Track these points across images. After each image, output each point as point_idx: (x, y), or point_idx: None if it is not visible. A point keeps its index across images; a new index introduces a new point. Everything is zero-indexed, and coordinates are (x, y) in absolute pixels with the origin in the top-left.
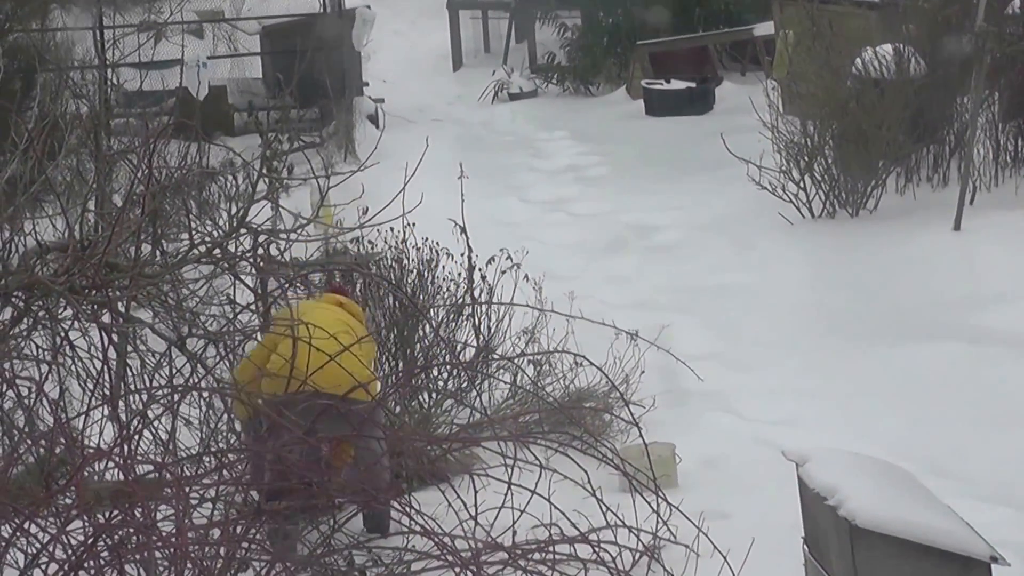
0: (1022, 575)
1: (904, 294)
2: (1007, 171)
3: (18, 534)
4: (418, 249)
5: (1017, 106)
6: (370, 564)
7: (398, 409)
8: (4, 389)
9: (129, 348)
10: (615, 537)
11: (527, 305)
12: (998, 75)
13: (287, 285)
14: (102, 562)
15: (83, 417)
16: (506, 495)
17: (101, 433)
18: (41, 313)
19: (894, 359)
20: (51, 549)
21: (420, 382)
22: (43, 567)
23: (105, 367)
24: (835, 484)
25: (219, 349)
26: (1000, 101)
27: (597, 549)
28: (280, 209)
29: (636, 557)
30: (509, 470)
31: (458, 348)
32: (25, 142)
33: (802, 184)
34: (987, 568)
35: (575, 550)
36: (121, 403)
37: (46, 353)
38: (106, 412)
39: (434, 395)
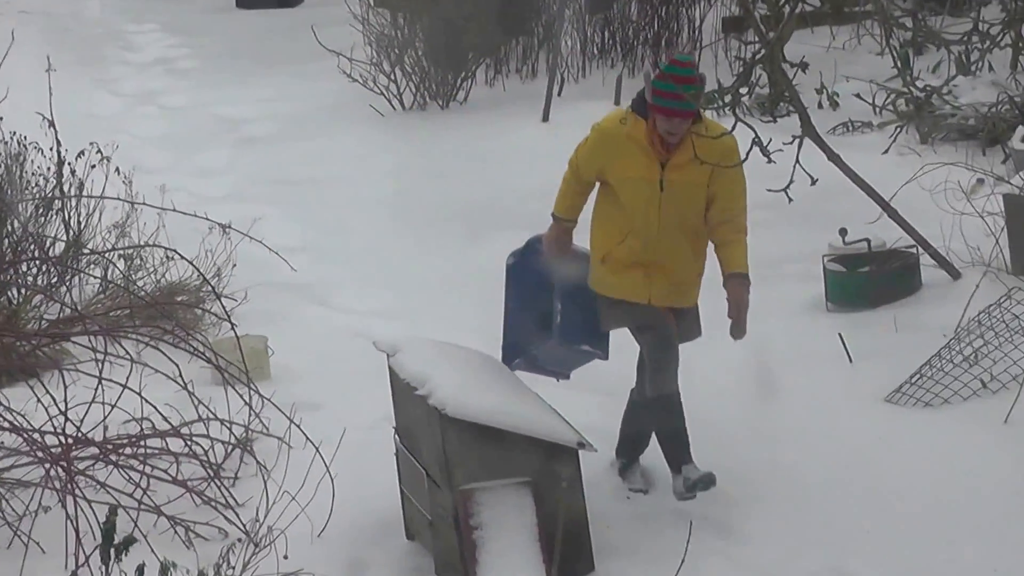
0: (610, 458)
1: (496, 185)
2: (594, 63)
3: None
4: (5, 143)
5: None
6: None
7: None
8: None
9: None
10: (207, 430)
11: (117, 198)
12: None
13: None
14: None
15: None
16: (96, 390)
17: None
18: None
19: (487, 250)
20: None
21: (8, 278)
22: None
23: None
24: (425, 373)
25: None
26: None
27: (189, 442)
28: None
29: (228, 450)
30: (100, 365)
31: (47, 243)
32: None
33: (393, 76)
34: (575, 454)
35: (167, 444)
36: None
37: None
38: None
39: (23, 291)
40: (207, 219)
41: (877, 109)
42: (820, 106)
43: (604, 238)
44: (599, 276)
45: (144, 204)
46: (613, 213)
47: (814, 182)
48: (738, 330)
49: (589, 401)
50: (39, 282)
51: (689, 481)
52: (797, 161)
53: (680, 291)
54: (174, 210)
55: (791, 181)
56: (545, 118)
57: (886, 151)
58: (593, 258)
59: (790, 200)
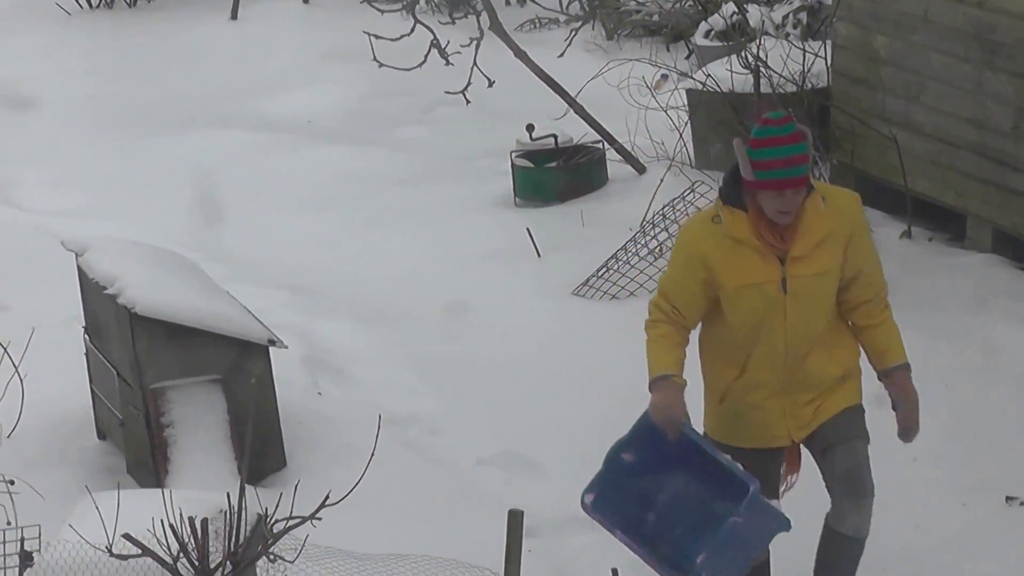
0: (302, 354)
1: (187, 84)
2: None
3: None
4: None
5: None
6: None
7: None
8: None
9: None
10: None
11: None
12: None
13: None
14: None
15: None
16: None
17: None
18: None
19: (180, 149)
20: None
21: None
22: None
23: None
24: (115, 273)
25: None
26: None
27: None
28: None
29: None
30: None
31: None
32: None
33: None
34: (265, 351)
35: None
36: None
37: None
38: None
39: None
40: None
41: (563, 6)
42: (508, 3)
43: (718, 373)
44: (718, 421)
45: None
46: (724, 338)
47: (491, 84)
48: (910, 433)
49: (279, 298)
50: None
51: None
52: (475, 64)
53: (824, 401)
54: None
55: (469, 83)
56: (234, 16)
57: (564, 51)
58: (709, 400)
59: (468, 102)
